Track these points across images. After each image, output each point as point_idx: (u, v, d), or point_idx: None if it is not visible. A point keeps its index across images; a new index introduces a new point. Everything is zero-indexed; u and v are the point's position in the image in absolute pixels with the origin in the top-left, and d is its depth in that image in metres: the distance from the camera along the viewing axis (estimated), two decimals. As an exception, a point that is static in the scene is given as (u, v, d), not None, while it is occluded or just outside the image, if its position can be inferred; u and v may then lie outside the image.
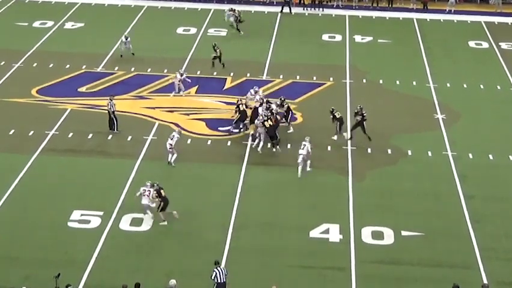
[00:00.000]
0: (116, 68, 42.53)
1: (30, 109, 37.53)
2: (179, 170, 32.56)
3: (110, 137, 34.92)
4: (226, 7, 52.75)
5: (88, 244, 27.19)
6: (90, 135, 34.93)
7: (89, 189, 30.66)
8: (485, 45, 47.82)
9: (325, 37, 48.45)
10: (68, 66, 42.60)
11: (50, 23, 49.40)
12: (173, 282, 23.60)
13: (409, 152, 34.16)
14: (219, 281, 23.99)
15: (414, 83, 41.66)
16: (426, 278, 26.04)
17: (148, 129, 35.64)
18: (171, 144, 32.65)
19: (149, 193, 28.56)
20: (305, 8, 54.08)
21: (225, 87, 40.61)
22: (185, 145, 34.06)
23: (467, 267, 26.63)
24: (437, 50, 46.67)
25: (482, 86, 41.37)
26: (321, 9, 54.02)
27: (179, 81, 38.95)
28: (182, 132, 34.41)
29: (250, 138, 34.97)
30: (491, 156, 34.00)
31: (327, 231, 28.35)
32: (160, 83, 40.86)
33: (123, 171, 31.67)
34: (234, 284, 25.33)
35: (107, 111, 35.30)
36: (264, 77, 41.96)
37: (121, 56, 43.70)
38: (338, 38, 48.43)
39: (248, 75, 42.05)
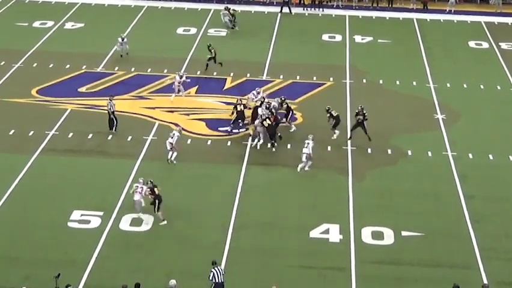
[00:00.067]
0: (116, 68, 42.53)
1: (30, 109, 37.54)
2: (179, 170, 32.57)
3: (110, 137, 34.92)
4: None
5: (88, 244, 27.20)
6: (90, 135, 34.93)
7: (89, 189, 30.66)
8: (485, 45, 47.83)
9: (325, 37, 48.46)
10: (68, 66, 42.60)
11: (50, 23, 49.40)
12: (173, 282, 23.61)
13: (409, 152, 34.17)
14: (217, 281, 24.00)
15: (414, 83, 41.66)
16: (426, 278, 26.04)
17: (148, 130, 35.64)
18: (171, 143, 32.67)
19: (142, 189, 28.59)
20: (305, 8, 54.08)
21: (225, 88, 40.61)
22: (185, 145, 34.06)
23: (467, 267, 26.64)
24: (437, 50, 46.68)
25: (482, 86, 41.38)
26: (321, 9, 54.02)
27: (178, 83, 38.92)
28: (183, 132, 34.35)
29: (250, 138, 34.97)
30: (491, 156, 34.00)
31: (327, 232, 28.36)
32: (160, 83, 40.86)
33: (123, 171, 31.66)
34: (234, 284, 25.34)
35: (107, 112, 35.29)
36: (264, 77, 41.96)
37: (121, 56, 43.69)
38: (338, 38, 48.44)
39: (248, 75, 42.05)
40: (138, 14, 51.63)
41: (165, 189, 30.54)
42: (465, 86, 41.44)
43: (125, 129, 35.44)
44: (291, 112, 35.89)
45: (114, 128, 35.07)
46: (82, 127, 35.59)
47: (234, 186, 31.18)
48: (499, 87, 41.40)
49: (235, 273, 25.80)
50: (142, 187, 28.69)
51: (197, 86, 40.46)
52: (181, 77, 39.03)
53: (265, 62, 44.12)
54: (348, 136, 34.84)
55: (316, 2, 54.09)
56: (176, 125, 35.17)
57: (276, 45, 46.87)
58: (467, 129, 36.68)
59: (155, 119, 36.83)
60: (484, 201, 30.62)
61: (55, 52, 44.66)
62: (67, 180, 31.36)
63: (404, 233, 28.29)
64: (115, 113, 35.23)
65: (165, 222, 28.50)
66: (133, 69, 42.40)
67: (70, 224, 28.45)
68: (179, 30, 48.90)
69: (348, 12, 53.33)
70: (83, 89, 39.90)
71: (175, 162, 32.71)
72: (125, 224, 28.52)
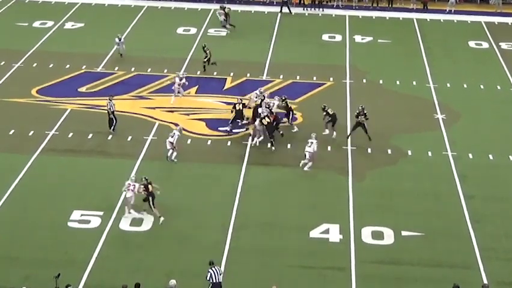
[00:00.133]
0: (116, 68, 42.53)
1: (30, 109, 37.54)
2: (179, 170, 32.57)
3: (110, 137, 34.92)
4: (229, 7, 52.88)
5: (88, 244, 27.20)
6: (90, 135, 34.94)
7: (89, 189, 30.65)
8: (485, 45, 47.83)
9: (325, 37, 48.46)
10: (68, 66, 42.60)
11: (50, 23, 49.40)
12: (173, 282, 23.60)
13: (409, 152, 34.17)
14: (214, 281, 23.99)
15: (414, 83, 41.66)
16: (426, 278, 26.04)
17: (148, 129, 35.64)
18: (171, 143, 32.67)
19: (134, 187, 28.61)
20: (305, 8, 54.08)
21: (225, 87, 40.61)
22: (185, 145, 34.06)
23: (467, 267, 26.64)
24: (437, 50, 46.68)
25: (482, 86, 41.38)
26: (321, 9, 54.02)
27: (178, 85, 38.90)
28: (183, 132, 34.33)
29: (250, 138, 34.97)
30: (491, 156, 34.00)
31: (327, 231, 28.35)
32: (160, 83, 40.86)
33: (123, 171, 31.64)
34: (234, 284, 25.35)
35: (106, 112, 35.29)
36: (264, 77, 41.96)
37: (121, 55, 43.68)
38: (338, 38, 48.44)
39: (248, 75, 42.05)
40: (138, 14, 51.63)
41: (165, 189, 30.54)
42: (465, 86, 41.44)
43: (125, 129, 35.45)
44: (291, 112, 35.87)
45: (112, 128, 35.06)
46: (82, 127, 35.59)
47: (234, 186, 31.18)
48: (499, 87, 41.40)
49: (235, 273, 25.82)
50: (134, 185, 28.71)
51: (197, 86, 40.47)
52: (180, 79, 39.01)
53: (265, 62, 44.12)
54: (347, 135, 34.84)
55: (316, 2, 54.09)
56: (176, 124, 35.16)
57: (276, 45, 46.87)
58: (467, 129, 36.68)
59: (156, 119, 36.83)
60: (484, 201, 30.62)
61: (55, 52, 44.67)
62: (67, 180, 31.36)
63: (404, 233, 28.29)
64: (115, 112, 35.22)
65: (162, 218, 28.49)
66: (133, 69, 42.40)
67: (70, 224, 28.45)
68: (179, 30, 48.90)
69: (348, 12, 53.33)
70: (83, 89, 39.90)
71: (175, 160, 32.72)
72: (125, 224, 28.52)
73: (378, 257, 27.03)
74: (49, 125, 35.76)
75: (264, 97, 35.99)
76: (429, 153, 34.13)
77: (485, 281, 25.56)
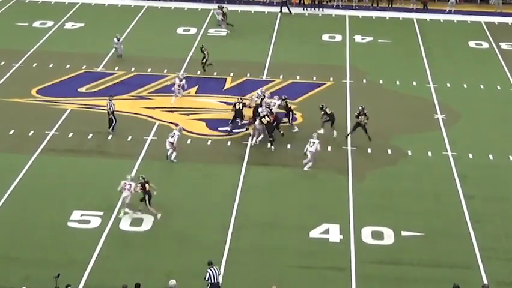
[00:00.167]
0: (116, 68, 42.53)
1: (31, 109, 37.54)
2: (179, 170, 32.57)
3: (110, 137, 34.92)
4: (226, 7, 52.82)
5: (88, 244, 27.20)
6: (90, 135, 34.94)
7: (89, 189, 30.65)
8: (485, 45, 47.83)
9: (325, 37, 48.45)
10: (68, 66, 42.60)
11: (50, 23, 49.40)
12: (173, 282, 23.60)
13: (409, 152, 34.17)
14: (213, 281, 24.00)
15: (414, 83, 41.66)
16: (427, 278, 26.04)
17: (148, 130, 35.64)
18: (171, 143, 32.67)
19: (130, 186, 28.61)
20: (305, 8, 54.08)
21: (225, 88, 40.60)
22: (185, 145, 34.06)
23: (467, 267, 26.64)
24: (437, 50, 46.68)
25: (482, 86, 41.38)
26: (321, 9, 54.02)
27: (178, 86, 38.90)
28: (183, 132, 34.32)
29: (250, 138, 34.96)
30: (491, 156, 34.01)
31: (327, 232, 28.35)
32: (160, 83, 40.86)
33: (123, 171, 31.56)
34: (234, 284, 25.36)
35: (106, 112, 35.28)
36: (264, 77, 41.96)
37: (120, 55, 43.64)
38: (338, 38, 48.43)
39: (248, 75, 42.05)
40: (138, 14, 51.63)
41: (165, 189, 30.60)
42: (465, 86, 41.44)
43: (125, 129, 35.45)
44: (291, 112, 35.87)
45: (111, 128, 35.03)
46: (82, 127, 35.59)
47: (234, 186, 31.18)
48: (499, 87, 41.40)
49: (235, 273, 25.82)
50: (130, 184, 28.72)
51: (197, 86, 40.46)
52: (181, 80, 39.02)
53: (265, 62, 44.12)
54: (346, 135, 34.85)
55: (316, 2, 54.09)
56: (176, 124, 35.14)
57: (276, 45, 46.87)
58: (467, 129, 36.68)
59: (155, 119, 36.83)
60: (484, 201, 30.62)
61: (55, 52, 44.66)
62: (67, 180, 31.36)
63: (404, 233, 28.29)
64: (115, 113, 35.21)
65: (160, 214, 28.46)
66: (133, 69, 42.40)
67: (70, 224, 28.45)
68: (179, 30, 48.90)
69: (348, 12, 53.33)
70: (83, 89, 39.90)
71: (175, 161, 32.73)
72: (125, 224, 28.52)
73: (378, 257, 27.03)
74: (49, 125, 35.76)
75: (264, 96, 36.01)
76: (430, 153, 34.13)
77: (485, 281, 25.56)
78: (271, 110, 34.75)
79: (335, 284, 25.74)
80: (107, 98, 35.60)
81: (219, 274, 24.20)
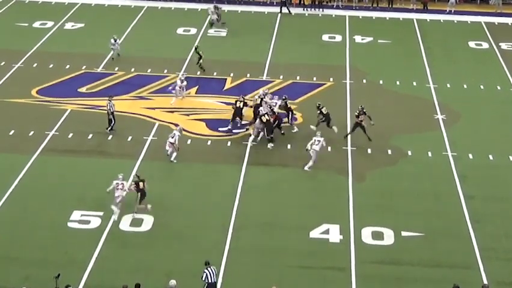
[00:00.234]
0: (116, 69, 42.53)
1: (31, 109, 37.54)
2: (179, 170, 32.57)
3: (110, 137, 34.92)
4: (226, 7, 52.84)
5: (88, 244, 27.19)
6: (90, 136, 34.93)
7: (89, 189, 30.63)
8: (485, 45, 47.84)
9: (325, 37, 48.46)
10: (68, 66, 42.60)
11: (50, 24, 49.40)
12: (173, 282, 23.60)
13: (409, 153, 34.17)
14: (210, 281, 24.00)
15: (414, 83, 41.67)
16: (427, 278, 26.03)
17: (148, 130, 35.64)
18: (172, 143, 32.66)
19: (123, 186, 28.60)
20: (305, 9, 54.09)
21: (225, 88, 40.61)
22: (185, 145, 34.05)
23: (467, 267, 26.64)
24: (437, 50, 46.69)
25: (482, 87, 41.38)
26: (321, 9, 54.02)
27: (180, 87, 38.91)
28: (183, 132, 34.31)
29: (250, 138, 34.96)
30: (491, 157, 34.01)
31: (327, 232, 28.35)
32: (161, 83, 40.86)
33: (123, 171, 31.53)
34: (234, 284, 25.36)
35: (106, 112, 35.25)
36: (264, 78, 41.96)
37: (118, 55, 43.56)
38: (338, 38, 48.44)
39: (248, 75, 42.05)
40: (138, 14, 51.63)
41: (165, 189, 30.65)
42: (465, 86, 41.44)
43: (125, 129, 35.45)
44: (290, 112, 35.88)
45: (109, 128, 34.97)
46: (82, 127, 35.59)
47: (234, 186, 31.18)
48: (499, 88, 41.41)
49: (235, 273, 25.82)
50: (122, 183, 28.72)
51: (197, 87, 40.47)
52: (182, 82, 39.03)
53: (265, 62, 44.13)
54: (345, 135, 34.84)
55: (316, 2, 54.10)
56: (176, 125, 35.13)
57: (276, 45, 46.88)
58: (467, 130, 36.68)
59: (156, 119, 36.83)
60: (484, 201, 30.62)
61: (55, 52, 44.67)
62: (66, 180, 31.36)
63: (404, 233, 28.29)
64: (115, 113, 35.19)
65: (150, 205, 28.53)
66: (133, 70, 42.40)
67: (70, 224, 28.45)
68: (179, 31, 48.91)
69: (348, 13, 53.34)
70: (83, 89, 39.90)
71: (175, 161, 32.73)
72: (125, 224, 28.51)
73: (378, 257, 27.02)
74: (49, 125, 35.76)
75: (265, 96, 36.03)
76: (430, 154, 34.13)
77: (485, 281, 25.55)
78: (273, 110, 34.76)
79: (335, 284, 25.73)
80: (107, 98, 35.60)
81: (216, 274, 24.18)
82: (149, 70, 42.44)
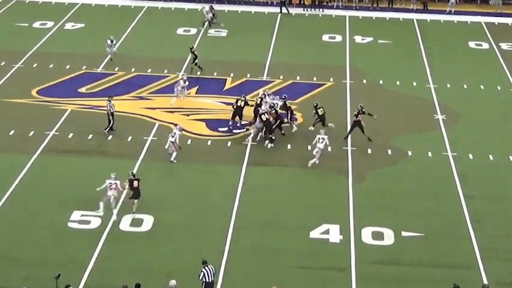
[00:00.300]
0: (117, 69, 42.53)
1: (31, 109, 37.54)
2: (180, 170, 32.57)
3: (110, 137, 34.92)
4: (226, 7, 52.88)
5: (88, 244, 27.19)
6: (90, 136, 34.93)
7: (89, 189, 30.55)
8: (485, 45, 47.84)
9: (325, 38, 48.47)
10: (68, 66, 42.60)
11: (50, 24, 49.40)
12: (173, 282, 23.58)
13: (409, 153, 34.17)
14: (207, 280, 23.99)
15: (414, 83, 41.67)
16: (427, 278, 26.03)
17: (148, 130, 35.64)
18: (173, 142, 32.66)
19: (116, 185, 28.61)
20: (305, 9, 54.09)
21: (225, 88, 40.61)
22: (185, 145, 34.04)
23: (467, 268, 26.64)
24: (437, 50, 46.69)
25: (482, 87, 41.38)
26: (321, 9, 54.03)
27: (182, 87, 38.92)
28: (183, 133, 34.30)
29: (250, 138, 34.95)
30: (491, 157, 34.01)
31: (327, 232, 28.34)
32: (161, 83, 40.87)
33: (123, 171, 31.56)
34: (234, 284, 25.36)
35: (106, 112, 35.23)
36: (264, 78, 41.96)
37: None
38: (338, 38, 48.45)
39: (248, 75, 42.06)
40: (138, 15, 51.63)
41: (165, 189, 30.65)
42: (465, 86, 41.45)
43: (125, 129, 35.45)
44: (289, 112, 35.87)
45: (107, 129, 34.92)
46: (82, 127, 35.58)
47: (234, 187, 31.17)
48: (499, 88, 41.41)
49: (235, 274, 25.81)
50: (115, 183, 28.72)
51: (197, 87, 40.47)
52: (184, 82, 39.05)
53: (265, 62, 44.13)
54: (344, 136, 34.83)
55: (317, 3, 54.10)
56: (175, 124, 35.07)
57: (276, 45, 46.88)
58: (467, 130, 36.68)
59: (156, 119, 36.83)
60: (484, 201, 30.62)
61: (55, 52, 44.67)
62: (67, 180, 31.35)
63: (404, 233, 28.28)
64: (114, 114, 35.14)
65: (136, 200, 28.60)
66: (133, 70, 42.40)
67: (70, 224, 28.44)
68: (179, 31, 48.91)
69: (348, 13, 53.34)
70: (83, 90, 39.90)
71: (175, 161, 32.73)
72: (125, 224, 28.51)
73: (378, 257, 27.02)
74: (49, 125, 35.76)
75: (265, 96, 36.05)
76: (430, 154, 34.14)
77: (485, 281, 25.55)
78: (275, 109, 34.76)
79: (335, 284, 25.73)
80: (107, 98, 35.58)
81: (214, 273, 24.18)
82: (149, 70, 42.44)
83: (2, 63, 42.74)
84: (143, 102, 38.74)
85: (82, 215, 28.87)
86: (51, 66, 42.69)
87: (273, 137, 34.44)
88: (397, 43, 47.82)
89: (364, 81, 41.93)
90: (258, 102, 35.71)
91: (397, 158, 33.74)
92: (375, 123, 35.34)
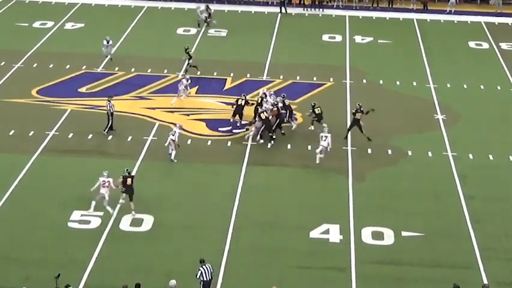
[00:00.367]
0: (117, 69, 42.53)
1: (31, 109, 37.54)
2: (179, 170, 32.57)
3: (110, 137, 34.92)
4: (226, 7, 52.90)
5: (88, 244, 27.19)
6: (90, 136, 34.93)
7: (89, 189, 30.58)
8: (485, 45, 47.84)
9: (325, 37, 48.46)
10: (68, 66, 42.60)
11: (50, 24, 49.40)
12: (173, 282, 23.59)
13: (409, 153, 34.17)
14: (205, 279, 24.02)
15: (414, 83, 41.67)
16: (427, 278, 26.03)
17: (148, 130, 35.63)
18: (173, 140, 32.66)
19: (109, 183, 28.61)
20: (305, 9, 54.09)
21: (225, 88, 40.61)
22: (185, 145, 34.04)
23: (467, 267, 26.64)
24: (437, 50, 46.69)
25: (482, 87, 41.38)
26: (321, 9, 54.02)
27: (185, 87, 38.94)
28: (183, 132, 34.31)
29: (250, 138, 34.96)
30: (491, 157, 34.01)
31: (327, 232, 28.34)
32: (161, 83, 40.87)
33: (123, 171, 31.58)
34: (234, 283, 25.37)
35: (105, 112, 35.21)
36: (264, 78, 41.96)
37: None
38: (338, 38, 48.44)
39: (248, 75, 42.06)
40: (138, 15, 51.63)
41: (165, 189, 30.66)
42: (465, 86, 41.45)
43: (125, 129, 35.45)
44: (289, 111, 35.88)
45: (106, 130, 34.91)
46: (82, 127, 35.58)
47: (234, 186, 31.17)
48: (499, 88, 41.41)
49: (235, 273, 25.81)
50: (108, 181, 28.72)
51: (197, 86, 40.46)
52: (187, 80, 39.06)
53: (265, 62, 44.13)
54: (344, 136, 34.83)
55: (317, 2, 54.09)
56: (174, 124, 35.04)
57: (276, 45, 46.88)
58: (467, 130, 36.68)
59: (156, 119, 36.83)
60: (484, 201, 30.63)
61: (55, 52, 44.67)
62: (67, 180, 31.35)
63: (404, 233, 28.28)
64: (114, 114, 35.10)
65: (124, 195, 28.81)
66: (133, 70, 42.40)
67: (70, 224, 28.45)
68: (179, 31, 48.90)
69: (348, 13, 53.34)
70: (83, 89, 39.90)
71: (175, 160, 32.73)
72: (125, 224, 28.51)
73: (378, 257, 27.02)
74: (49, 125, 35.75)
75: (266, 96, 36.07)
76: (430, 154, 34.14)
77: (485, 281, 25.55)
78: (277, 106, 34.78)
79: (335, 284, 25.73)
80: (106, 98, 35.57)
81: (211, 272, 24.18)
82: (149, 70, 42.44)
83: (2, 63, 42.74)
84: (143, 102, 38.74)
85: (81, 215, 28.87)
86: (51, 66, 42.69)
87: (274, 136, 34.47)
88: (397, 43, 47.82)
89: (364, 81, 41.94)
90: (259, 101, 35.71)
91: (397, 158, 33.74)
92: (375, 123, 35.37)
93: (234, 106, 36.08)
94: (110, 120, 34.99)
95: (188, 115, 37.39)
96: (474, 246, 27.71)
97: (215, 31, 48.93)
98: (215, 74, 42.15)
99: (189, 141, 34.68)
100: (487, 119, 37.74)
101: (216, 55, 44.39)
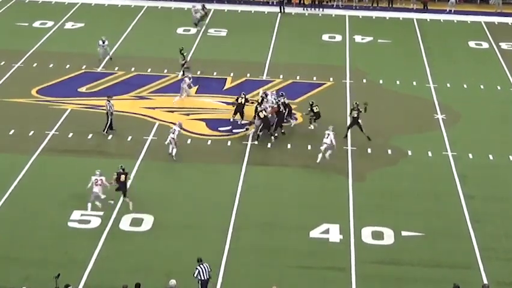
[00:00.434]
0: (116, 68, 42.52)
1: (30, 109, 37.53)
2: (179, 170, 32.56)
3: (110, 137, 34.92)
4: (226, 7, 52.89)
5: (88, 244, 27.19)
6: (90, 136, 34.93)
7: (89, 189, 30.57)
8: (485, 45, 47.84)
9: (325, 37, 48.46)
10: (68, 66, 42.59)
11: (50, 23, 49.39)
12: (173, 282, 23.59)
13: (409, 152, 34.17)
14: (202, 278, 24.03)
15: (414, 83, 41.67)
16: (427, 278, 26.03)
17: (148, 130, 35.63)
18: (173, 138, 32.65)
19: (101, 181, 28.63)
20: (305, 8, 54.08)
21: (225, 88, 40.61)
22: (185, 145, 34.05)
23: (467, 267, 26.64)
24: (437, 50, 46.68)
25: (482, 86, 41.38)
26: (321, 9, 54.02)
27: (187, 85, 38.94)
28: (183, 132, 34.31)
29: (250, 138, 34.97)
30: (491, 157, 34.01)
31: (327, 232, 28.35)
32: (161, 83, 40.87)
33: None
34: (234, 283, 25.36)
35: (105, 112, 35.20)
36: (264, 77, 41.96)
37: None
38: (338, 38, 48.44)
39: (248, 75, 42.06)
40: (138, 14, 51.62)
41: (165, 189, 30.64)
42: (465, 86, 41.44)
43: (125, 129, 35.44)
44: (288, 109, 35.86)
45: (105, 130, 34.90)
46: (81, 127, 35.58)
47: (234, 186, 31.17)
48: (499, 87, 41.41)
49: (235, 273, 25.81)
50: (101, 179, 28.73)
51: (197, 86, 40.45)
52: (189, 79, 39.07)
53: (265, 62, 44.12)
54: (344, 135, 34.83)
55: (317, 2, 54.08)
56: (175, 124, 35.01)
57: (276, 45, 46.87)
58: (467, 129, 36.68)
59: (156, 119, 36.83)
60: (484, 201, 30.62)
61: (55, 52, 44.66)
62: (66, 180, 31.34)
63: (404, 233, 28.28)
64: (113, 114, 35.07)
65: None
66: (132, 69, 42.40)
67: (70, 224, 28.44)
68: (179, 30, 48.90)
69: (348, 12, 53.33)
70: (83, 89, 39.90)
71: (175, 158, 32.72)
72: (125, 224, 28.51)
73: (378, 257, 27.02)
74: (49, 125, 35.75)
75: (266, 95, 36.09)
76: (430, 154, 34.14)
77: (485, 281, 25.55)
78: (278, 104, 34.80)
79: (335, 284, 25.73)
80: (106, 98, 35.55)
81: (209, 271, 24.18)
82: (149, 70, 42.44)
83: (2, 63, 42.74)
84: (143, 102, 38.74)
85: (81, 215, 28.87)
86: (51, 65, 42.68)
87: (276, 134, 34.48)
88: (397, 43, 47.82)
89: (364, 80, 41.93)
90: (259, 101, 35.71)
91: (397, 158, 33.74)
92: (375, 123, 35.37)
93: (235, 105, 36.10)
94: (109, 120, 34.98)
95: (188, 115, 37.39)
96: (474, 246, 27.71)
97: (215, 31, 48.91)
98: (215, 73, 42.15)
99: (189, 141, 34.69)
100: (487, 119, 37.74)
101: (216, 55, 44.39)
